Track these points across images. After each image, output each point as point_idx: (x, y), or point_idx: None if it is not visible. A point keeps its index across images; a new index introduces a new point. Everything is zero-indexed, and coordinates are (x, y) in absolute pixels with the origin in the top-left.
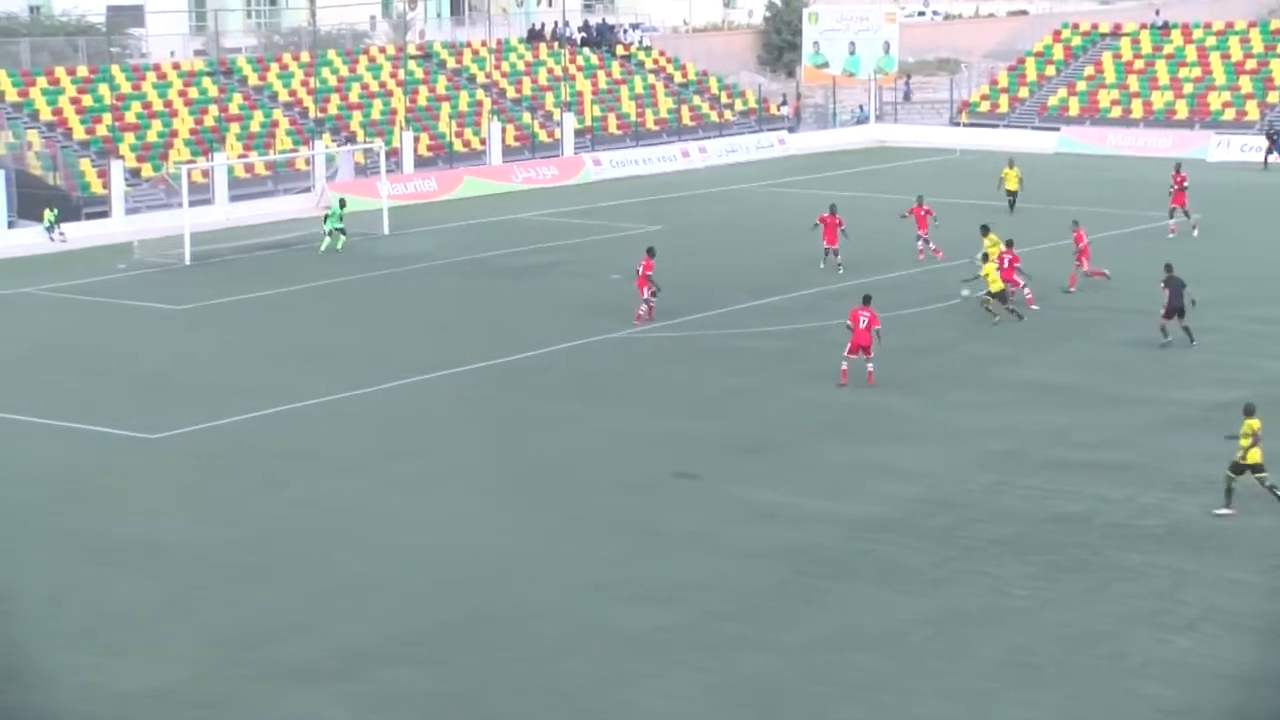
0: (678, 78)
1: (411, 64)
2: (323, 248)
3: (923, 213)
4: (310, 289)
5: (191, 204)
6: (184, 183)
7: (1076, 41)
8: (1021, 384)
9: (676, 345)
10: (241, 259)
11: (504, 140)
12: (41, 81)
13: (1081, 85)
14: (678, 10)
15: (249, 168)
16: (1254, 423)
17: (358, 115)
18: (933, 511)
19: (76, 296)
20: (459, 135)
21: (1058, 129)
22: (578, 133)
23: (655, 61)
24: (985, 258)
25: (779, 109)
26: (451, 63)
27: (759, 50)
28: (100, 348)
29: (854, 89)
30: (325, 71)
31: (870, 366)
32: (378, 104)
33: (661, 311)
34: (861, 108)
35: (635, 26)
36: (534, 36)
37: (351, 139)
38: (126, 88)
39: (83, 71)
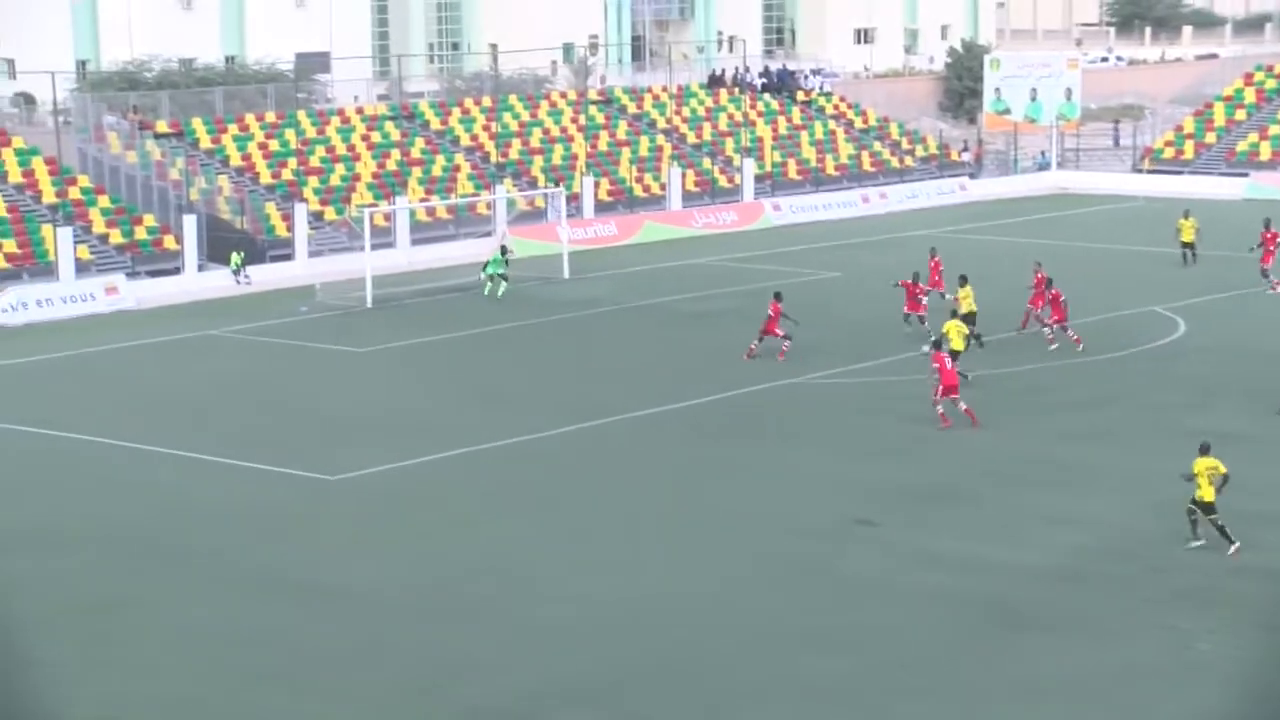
0: (858, 123)
1: (592, 109)
2: (485, 292)
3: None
4: (489, 333)
5: (373, 247)
6: (366, 226)
7: (1270, 84)
8: (1203, 432)
9: (854, 391)
10: (422, 302)
11: (684, 185)
12: (232, 128)
13: (1275, 129)
14: (859, 56)
15: (430, 211)
16: (1207, 461)
17: (539, 160)
18: (1114, 561)
19: (260, 338)
20: (639, 180)
21: (1246, 174)
22: (758, 178)
23: (836, 107)
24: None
25: (960, 155)
26: (632, 108)
27: (940, 96)
28: (283, 389)
29: (1035, 135)
30: (507, 116)
31: (964, 405)
32: (559, 149)
33: (840, 356)
34: (1044, 154)
35: (816, 72)
36: (714, 82)
37: (532, 184)
38: (312, 132)
39: (270, 117)
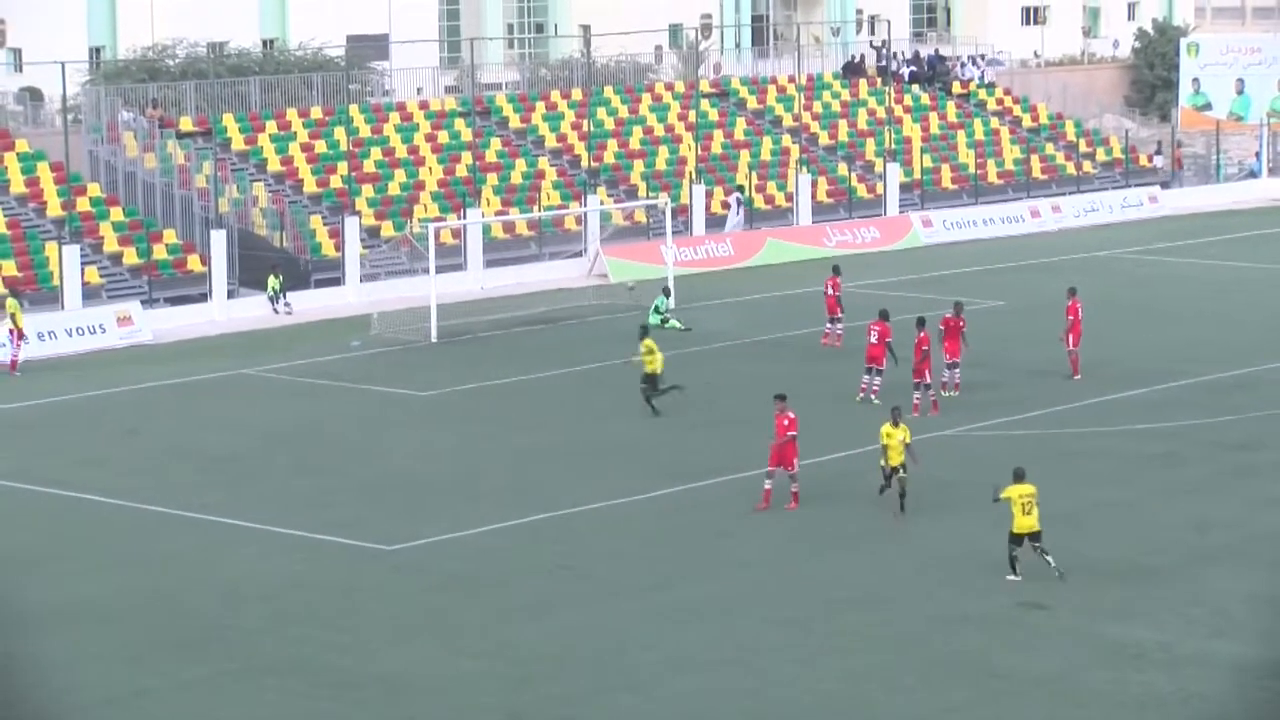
0: (1027, 121)
1: (704, 103)
2: (680, 326)
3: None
4: (577, 374)
5: (439, 270)
6: (431, 244)
7: None
8: None
9: (1024, 445)
10: (497, 336)
11: (814, 195)
12: (271, 126)
13: None
14: (1027, 40)
15: (508, 227)
16: (1023, 488)
17: (639, 165)
18: None
19: (303, 379)
20: (760, 189)
21: None
22: (904, 187)
23: (999, 101)
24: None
25: (1150, 160)
26: (752, 102)
27: (1126, 89)
28: (330, 441)
29: (1242, 136)
30: (601, 112)
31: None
32: (663, 151)
33: (1006, 404)
34: (1256, 157)
35: (975, 59)
36: (852, 71)
37: (631, 193)
38: (366, 131)
39: (316, 113)
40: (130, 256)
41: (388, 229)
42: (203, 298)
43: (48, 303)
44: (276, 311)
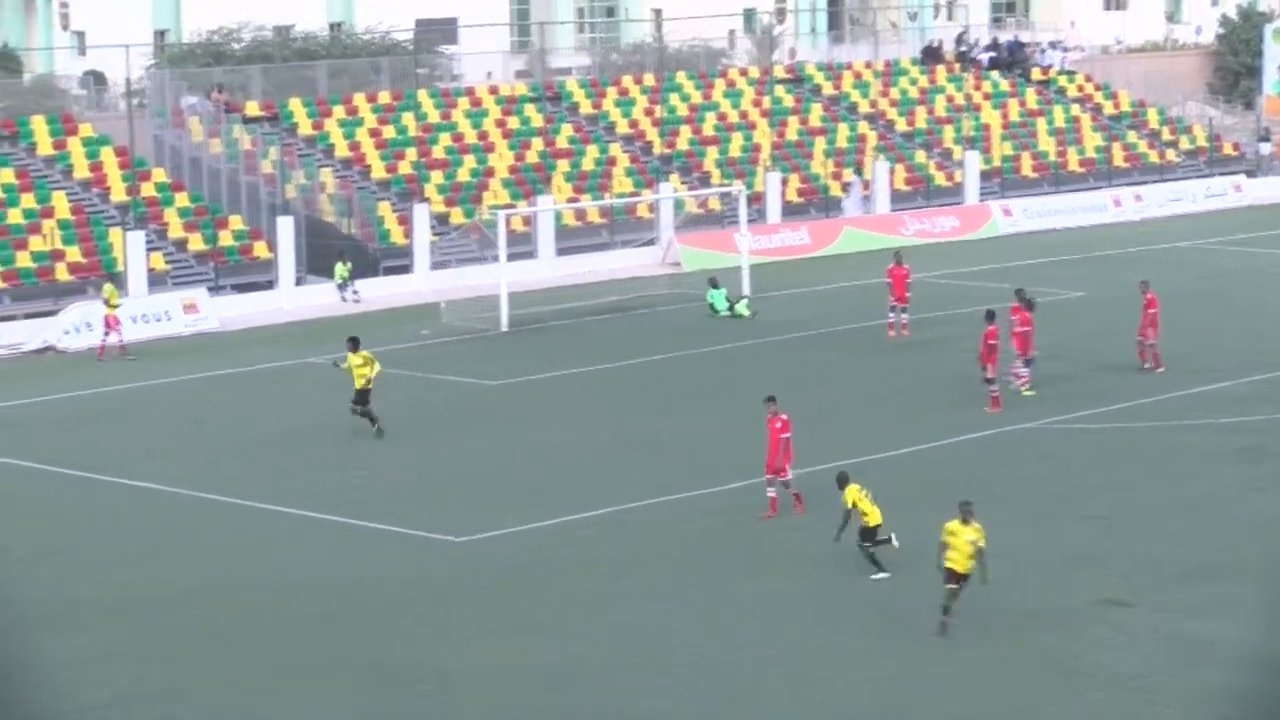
0: (1108, 108)
1: (779, 89)
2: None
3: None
4: (649, 364)
5: (510, 257)
6: (501, 232)
7: None
8: None
9: (1102, 440)
10: (568, 325)
11: (892, 184)
12: (338, 111)
13: None
14: (1109, 26)
15: (580, 214)
16: (852, 489)
17: (713, 151)
18: None
19: None
20: (836, 177)
21: None
22: (983, 175)
23: (1080, 88)
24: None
25: (1236, 148)
26: (828, 88)
27: (1209, 76)
28: (398, 431)
29: None
30: (674, 98)
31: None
32: (737, 138)
33: (1086, 398)
34: None
35: (1055, 45)
36: (930, 56)
37: (705, 181)
38: (435, 116)
39: (385, 98)
40: (196, 243)
41: (457, 216)
42: (269, 285)
43: None
44: (344, 299)
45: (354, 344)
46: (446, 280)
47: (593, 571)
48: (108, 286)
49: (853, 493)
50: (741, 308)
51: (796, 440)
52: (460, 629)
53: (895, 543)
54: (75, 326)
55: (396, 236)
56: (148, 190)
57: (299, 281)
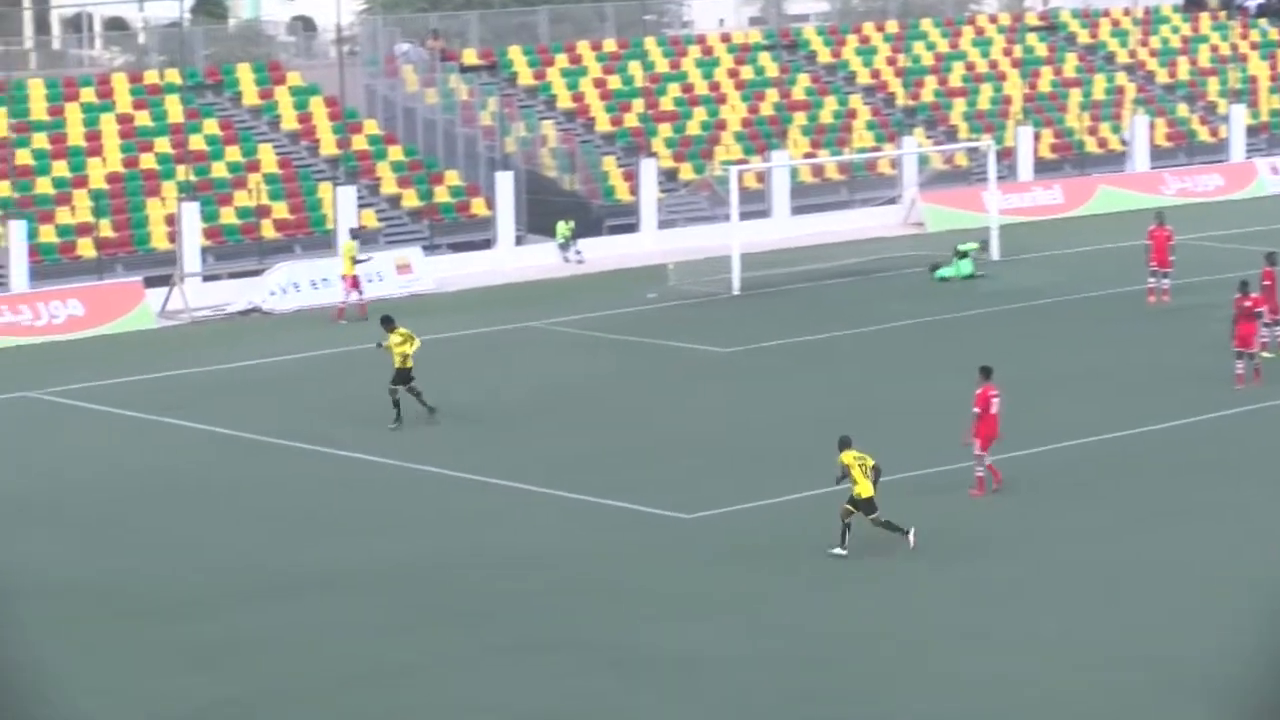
0: None
1: (1031, 38)
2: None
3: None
4: (891, 331)
5: (743, 216)
6: (733, 188)
7: None
8: None
9: None
10: (804, 289)
11: (1152, 139)
12: (561, 59)
13: None
14: None
15: (817, 170)
16: (849, 455)
17: (959, 104)
18: None
19: (594, 333)
20: (1092, 132)
21: None
22: (1250, 130)
23: None
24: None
25: None
26: (1084, 36)
27: None
28: (622, 399)
29: None
30: (918, 47)
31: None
32: (986, 90)
33: None
34: None
35: None
36: (1194, 3)
37: (951, 135)
38: (663, 66)
39: (610, 46)
40: (410, 199)
41: (686, 172)
42: (487, 244)
43: (320, 248)
44: (566, 260)
45: (389, 323)
46: (674, 240)
47: (827, 548)
48: (348, 243)
49: (849, 457)
50: (964, 265)
51: (1038, 413)
52: (696, 608)
53: (912, 540)
54: (282, 287)
55: (622, 193)
56: (359, 143)
57: (518, 241)
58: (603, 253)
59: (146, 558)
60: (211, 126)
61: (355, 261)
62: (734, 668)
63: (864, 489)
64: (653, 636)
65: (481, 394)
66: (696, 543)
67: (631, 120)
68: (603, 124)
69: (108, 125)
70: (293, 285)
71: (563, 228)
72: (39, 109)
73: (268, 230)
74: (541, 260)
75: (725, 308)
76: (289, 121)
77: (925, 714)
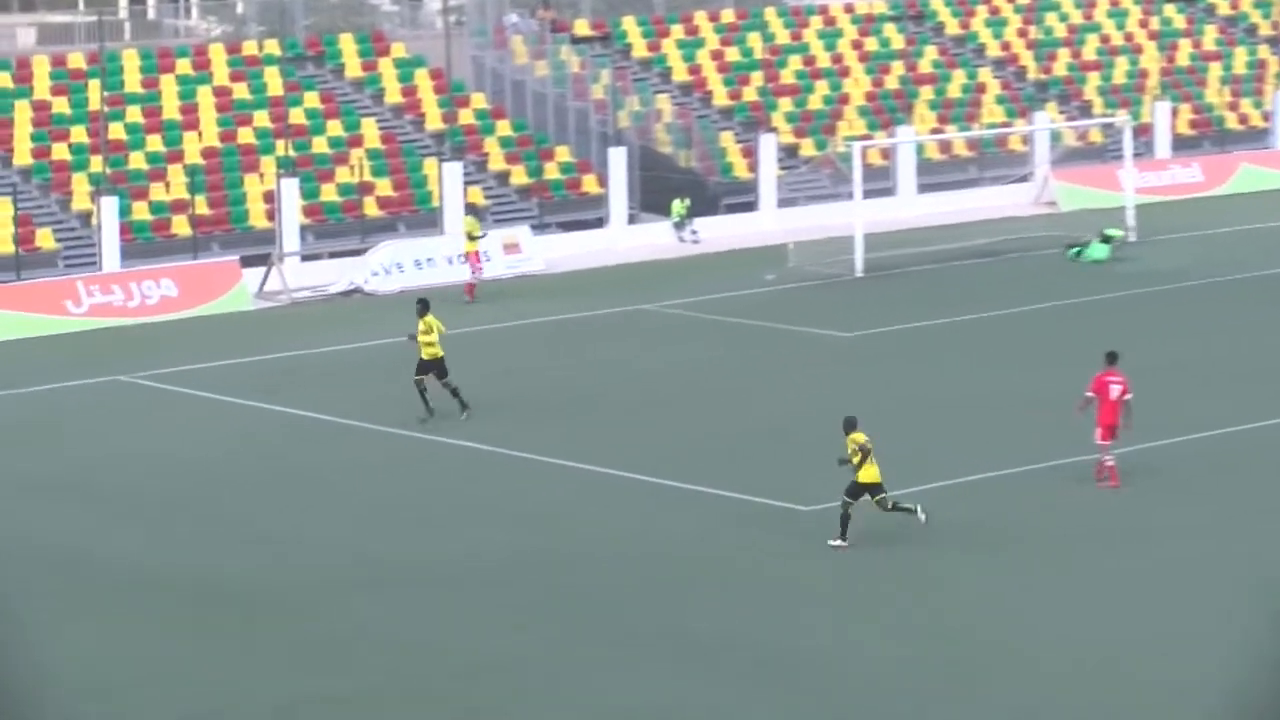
0: None
1: (1168, 9)
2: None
3: None
4: (1018, 315)
5: (867, 194)
6: (857, 165)
7: None
8: None
9: None
10: (931, 271)
11: None
12: (677, 30)
13: None
14: None
15: (944, 147)
16: (858, 436)
17: (1094, 78)
18: None
19: (710, 316)
20: (1233, 107)
21: None
22: None
23: None
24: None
25: None
26: (1224, 7)
27: None
28: (739, 386)
29: None
30: (1050, 18)
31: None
32: (1122, 63)
33: None
34: None
35: None
36: None
37: (1085, 110)
38: (784, 37)
39: (728, 16)
40: (519, 176)
41: (808, 148)
42: (599, 223)
43: (425, 226)
44: (681, 240)
45: (424, 307)
46: (794, 219)
47: (949, 544)
48: (468, 219)
49: (854, 442)
50: (1100, 249)
51: (1165, 404)
52: (812, 608)
53: (921, 515)
54: (384, 267)
55: (740, 170)
56: (466, 117)
57: (631, 220)
58: (719, 232)
59: (244, 550)
60: (312, 100)
61: (473, 239)
62: (840, 666)
63: (869, 474)
64: (779, 634)
65: (591, 380)
66: (819, 536)
67: (750, 94)
68: (720, 98)
69: (204, 98)
70: (396, 265)
71: (678, 206)
72: (133, 81)
73: (370, 208)
74: (655, 240)
75: (848, 290)
76: (393, 94)
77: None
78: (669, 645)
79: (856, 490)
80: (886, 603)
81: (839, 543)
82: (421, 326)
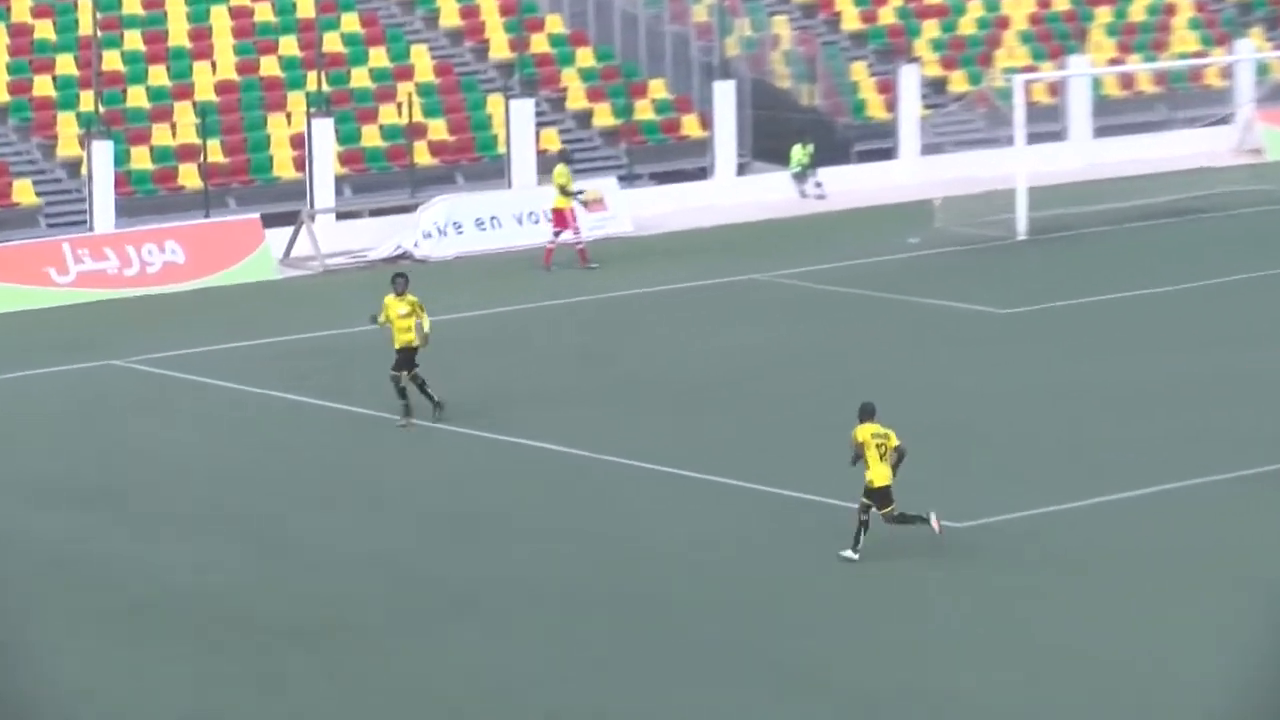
0: None
1: None
2: None
3: None
4: (1217, 287)
5: (1030, 139)
6: (1019, 103)
7: None
8: None
9: None
10: (1108, 233)
11: None
12: None
13: None
14: None
15: (1126, 81)
16: (860, 431)
17: None
18: None
19: (837, 288)
20: None
21: None
22: None
23: None
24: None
25: None
26: None
27: None
28: (869, 371)
29: None
30: None
31: None
32: None
33: None
34: None
35: None
36: None
37: None
38: None
39: None
40: (603, 115)
41: (958, 82)
42: (702, 174)
43: (492, 178)
44: (804, 194)
45: (402, 282)
46: (942, 169)
47: (1116, 568)
48: (560, 169)
49: (864, 433)
50: None
51: None
52: (979, 647)
53: (935, 525)
54: (439, 227)
55: (875, 110)
56: (539, 45)
57: (741, 170)
58: (850, 185)
59: (274, 565)
60: (350, 23)
61: (567, 193)
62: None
63: (879, 475)
64: (920, 680)
65: (689, 366)
66: (977, 557)
67: (888, 16)
68: (850, 21)
69: (219, 21)
70: (453, 225)
71: (799, 153)
72: (132, 1)
73: (421, 155)
74: (770, 195)
75: (1007, 256)
76: (449, 17)
77: None
78: (741, 671)
79: (869, 494)
80: (1024, 637)
81: (850, 554)
82: (401, 307)
